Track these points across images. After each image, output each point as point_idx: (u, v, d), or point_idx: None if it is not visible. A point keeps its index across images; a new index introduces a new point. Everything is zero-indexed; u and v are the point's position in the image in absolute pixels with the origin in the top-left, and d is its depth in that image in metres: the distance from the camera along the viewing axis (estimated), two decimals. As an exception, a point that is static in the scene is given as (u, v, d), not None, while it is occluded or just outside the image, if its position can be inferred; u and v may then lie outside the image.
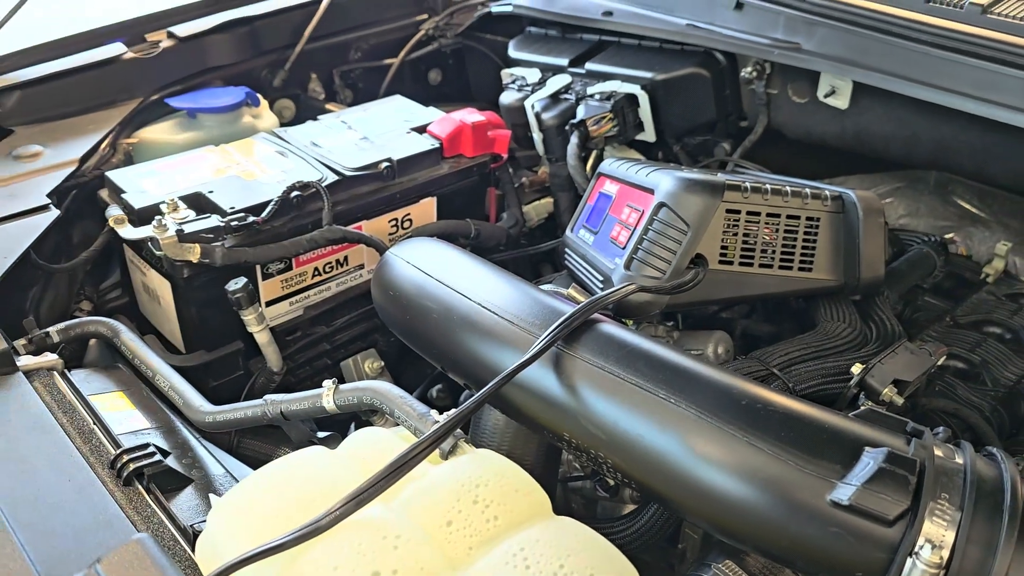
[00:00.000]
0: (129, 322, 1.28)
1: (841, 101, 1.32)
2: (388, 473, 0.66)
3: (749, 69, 1.39)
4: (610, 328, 0.83)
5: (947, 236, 1.43)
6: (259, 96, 1.52)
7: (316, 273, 1.28)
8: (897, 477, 0.64)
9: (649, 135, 1.47)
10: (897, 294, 1.20)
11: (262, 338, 1.15)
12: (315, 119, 1.46)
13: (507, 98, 1.55)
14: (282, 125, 1.55)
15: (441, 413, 0.81)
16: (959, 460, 0.67)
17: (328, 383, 0.87)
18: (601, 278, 1.11)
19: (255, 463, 1.08)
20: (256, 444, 1.11)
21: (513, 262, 1.51)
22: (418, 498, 0.69)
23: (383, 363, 1.30)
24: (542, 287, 1.12)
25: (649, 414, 0.72)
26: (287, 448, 1.11)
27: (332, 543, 0.64)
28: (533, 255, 1.54)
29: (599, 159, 1.50)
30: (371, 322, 1.35)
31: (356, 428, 1.28)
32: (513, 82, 1.58)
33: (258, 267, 1.20)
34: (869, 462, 0.65)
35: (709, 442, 0.69)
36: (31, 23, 1.38)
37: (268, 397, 0.92)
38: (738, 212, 1.04)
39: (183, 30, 1.50)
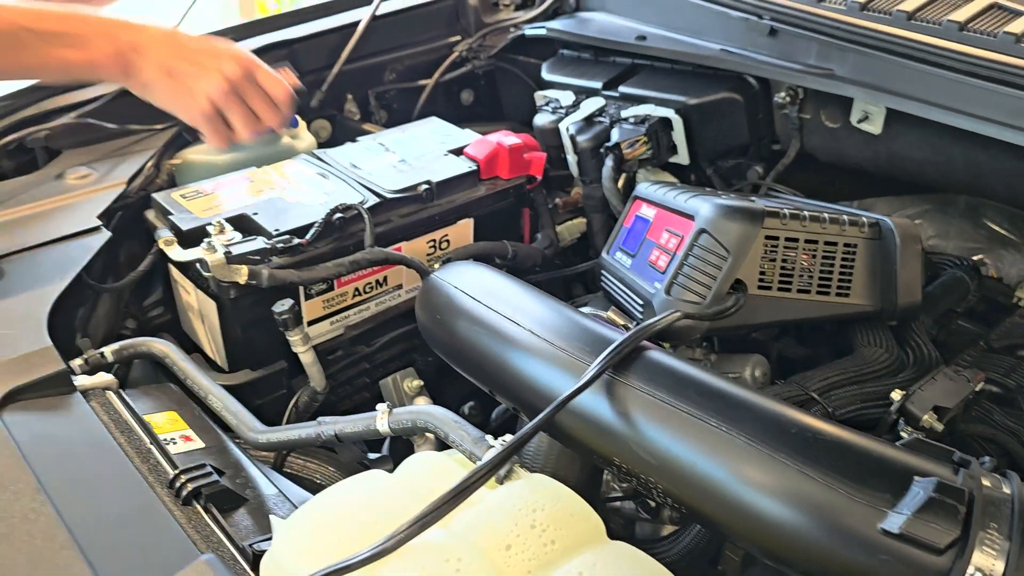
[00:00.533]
0: (173, 340, 1.31)
1: (874, 127, 1.34)
2: (450, 497, 0.68)
3: (782, 94, 1.41)
4: (658, 355, 0.85)
5: (977, 258, 1.45)
6: (297, 118, 1.55)
7: (356, 293, 1.30)
8: (947, 507, 0.65)
9: (683, 158, 1.49)
10: (932, 318, 1.22)
11: (307, 358, 1.18)
12: (353, 140, 1.48)
13: (541, 120, 1.57)
14: (319, 145, 1.59)
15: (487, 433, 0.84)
16: (1007, 490, 0.68)
17: (382, 406, 0.89)
18: (640, 301, 1.13)
19: (298, 481, 1.11)
20: (299, 462, 1.14)
21: (547, 282, 1.53)
22: (477, 522, 0.71)
23: (422, 382, 1.32)
24: (580, 309, 1.14)
25: (701, 442, 0.74)
26: (330, 467, 1.14)
27: (397, 565, 0.66)
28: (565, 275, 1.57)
29: (630, 181, 1.52)
30: (409, 342, 1.37)
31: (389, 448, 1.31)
32: (547, 104, 1.60)
33: (301, 288, 1.22)
34: (919, 491, 0.67)
35: (761, 470, 0.70)
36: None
37: (321, 419, 0.94)
38: (777, 238, 1.06)
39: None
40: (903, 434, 0.96)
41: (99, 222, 1.19)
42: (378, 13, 1.63)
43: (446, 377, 1.40)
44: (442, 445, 1.00)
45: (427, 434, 1.03)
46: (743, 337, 1.27)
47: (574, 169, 1.54)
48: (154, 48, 1.02)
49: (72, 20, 0.99)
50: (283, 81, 1.10)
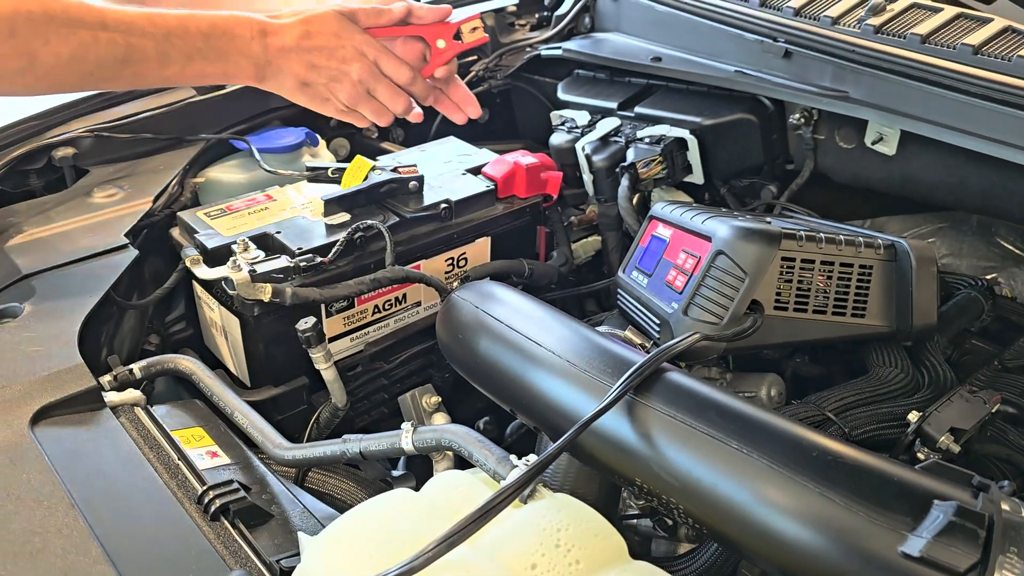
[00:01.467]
0: (195, 355, 1.34)
1: (888, 148, 1.36)
2: (477, 517, 0.70)
3: (797, 116, 1.43)
4: (678, 377, 0.86)
5: (990, 277, 1.46)
6: (317, 136, 1.57)
7: (376, 310, 1.32)
8: (967, 531, 0.66)
9: (697, 177, 1.51)
10: (947, 339, 1.23)
11: (328, 375, 1.19)
12: (373, 159, 1.51)
13: (557, 139, 1.59)
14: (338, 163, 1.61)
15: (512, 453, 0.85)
16: (1025, 514, 0.69)
17: (406, 425, 0.90)
18: (657, 321, 1.14)
19: (319, 496, 1.13)
20: (320, 478, 1.15)
21: (561, 299, 1.55)
22: (503, 541, 0.73)
23: (440, 398, 1.33)
24: (597, 328, 1.16)
25: (723, 464, 0.75)
26: (351, 482, 1.15)
27: (426, 584, 0.68)
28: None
29: (644, 200, 1.54)
30: (427, 358, 1.39)
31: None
32: (563, 124, 1.62)
33: (323, 305, 1.24)
34: (939, 515, 0.68)
35: (782, 492, 0.72)
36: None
37: (347, 436, 0.96)
38: (793, 260, 1.07)
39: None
40: (920, 455, 0.97)
41: (126, 240, 1.22)
42: (397, 33, 1.66)
43: (462, 392, 1.42)
44: (459, 461, 1.01)
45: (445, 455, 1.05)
46: (757, 355, 1.28)
47: (590, 188, 1.56)
48: (287, 62, 1.08)
49: (214, 38, 1.05)
50: (406, 66, 1.12)
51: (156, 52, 1.02)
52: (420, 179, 1.33)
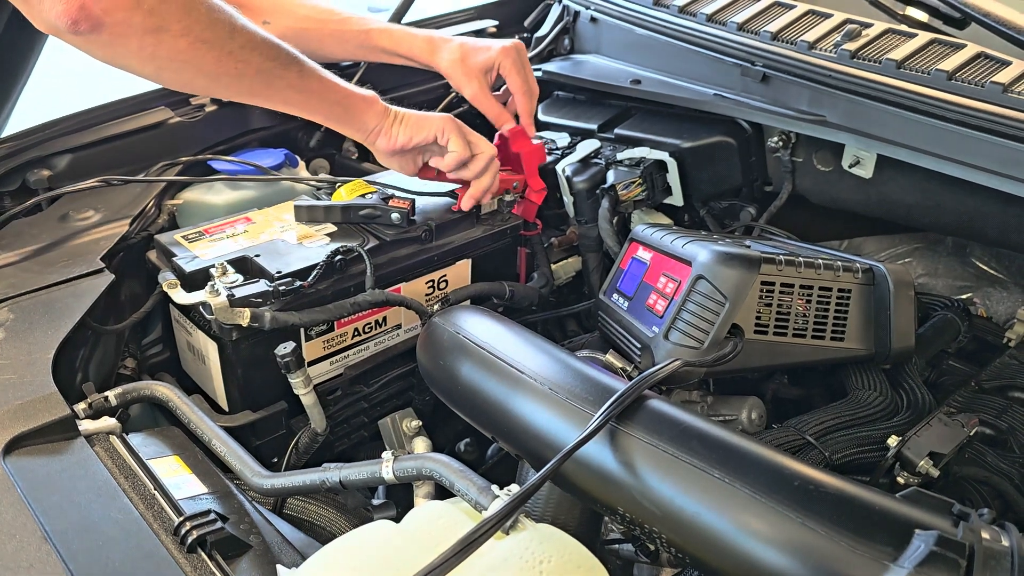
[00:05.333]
0: (172, 379, 1.32)
1: (865, 171, 1.37)
2: (459, 550, 0.69)
3: (775, 139, 1.44)
4: (659, 405, 0.86)
5: (965, 296, 1.47)
6: (296, 157, 1.57)
7: (356, 334, 1.31)
8: (948, 561, 0.66)
9: (677, 199, 1.52)
10: (924, 360, 1.24)
11: (308, 400, 1.18)
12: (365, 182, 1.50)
13: (538, 161, 1.59)
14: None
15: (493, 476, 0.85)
16: (1005, 543, 0.70)
17: (387, 454, 0.90)
18: (638, 344, 1.15)
19: (298, 523, 1.11)
20: (299, 504, 1.14)
21: (542, 320, 1.55)
22: (485, 574, 0.72)
23: (420, 422, 1.33)
24: (578, 352, 1.16)
25: (705, 493, 0.75)
26: (331, 508, 1.14)
27: (407, 619, 0.67)
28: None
29: (624, 221, 1.54)
30: (407, 381, 1.38)
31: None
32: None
33: (302, 329, 1.23)
34: (920, 545, 0.68)
35: (764, 522, 0.72)
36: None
37: (327, 465, 0.95)
38: (773, 284, 1.08)
39: (226, 94, 1.55)
40: (899, 479, 0.98)
41: (102, 264, 1.20)
42: (377, 54, 1.65)
43: (442, 415, 1.41)
44: (440, 488, 1.00)
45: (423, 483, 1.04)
46: (737, 378, 1.29)
47: (570, 209, 1.56)
48: (389, 134, 1.27)
49: (347, 104, 1.23)
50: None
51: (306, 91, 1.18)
52: (405, 213, 1.32)
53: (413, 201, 1.34)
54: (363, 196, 1.36)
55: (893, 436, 0.99)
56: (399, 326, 1.37)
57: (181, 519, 0.87)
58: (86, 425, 0.99)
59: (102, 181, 1.33)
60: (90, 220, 1.31)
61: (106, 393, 1.06)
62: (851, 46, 1.34)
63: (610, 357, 1.16)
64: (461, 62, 1.44)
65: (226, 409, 1.26)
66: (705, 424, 0.82)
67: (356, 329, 1.31)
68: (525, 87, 1.46)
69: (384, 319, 1.34)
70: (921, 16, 1.62)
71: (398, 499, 1.25)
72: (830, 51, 1.36)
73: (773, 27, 1.43)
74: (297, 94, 1.15)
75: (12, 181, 1.35)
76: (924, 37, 1.32)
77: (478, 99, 1.47)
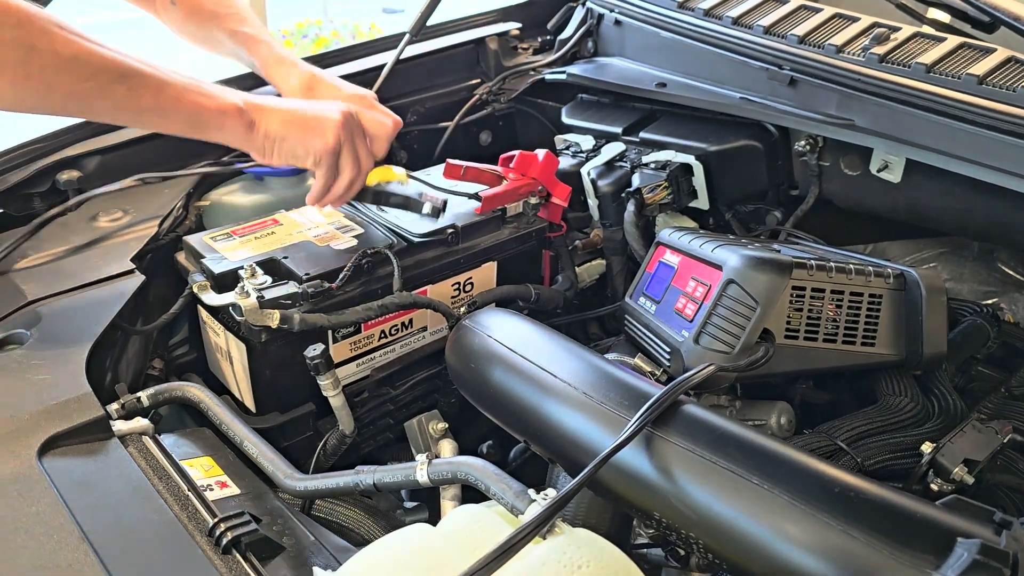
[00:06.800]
0: (199, 379, 1.32)
1: (894, 175, 1.36)
2: (498, 554, 0.69)
3: (802, 143, 1.44)
4: (695, 410, 0.86)
5: (991, 302, 1.46)
6: (322, 159, 1.57)
7: (383, 336, 1.32)
8: (991, 569, 0.66)
9: (702, 203, 1.51)
10: (954, 366, 1.23)
11: (336, 402, 1.19)
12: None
13: (563, 163, 1.59)
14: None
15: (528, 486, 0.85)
16: (1048, 551, 0.69)
17: (421, 457, 0.90)
18: (667, 348, 1.14)
19: (327, 524, 1.12)
20: (327, 506, 1.14)
21: (566, 323, 1.55)
22: (524, 578, 0.72)
23: (447, 424, 1.33)
24: (606, 356, 1.15)
25: (743, 499, 0.75)
26: (359, 510, 1.15)
27: (448, 623, 0.67)
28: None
29: (648, 224, 1.54)
30: (432, 383, 1.38)
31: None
32: (567, 148, 1.63)
33: (329, 331, 1.23)
34: (963, 554, 0.67)
35: (804, 530, 0.72)
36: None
37: (360, 468, 0.95)
38: (804, 289, 1.08)
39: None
40: (933, 486, 0.97)
41: (132, 265, 1.21)
42: (402, 57, 1.66)
43: (467, 418, 1.42)
44: (465, 491, 1.00)
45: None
46: (765, 382, 1.28)
47: (595, 212, 1.56)
48: (274, 112, 1.16)
49: (208, 84, 1.12)
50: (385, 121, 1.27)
51: (156, 80, 1.06)
52: (438, 208, 1.31)
53: (446, 200, 1.33)
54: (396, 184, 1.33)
55: (927, 443, 0.99)
56: (425, 328, 1.37)
57: (215, 520, 0.87)
58: (119, 425, 0.99)
59: (138, 180, 1.33)
60: (120, 221, 1.32)
61: (139, 394, 1.07)
62: (880, 50, 1.33)
63: (639, 361, 1.16)
64: (307, 90, 1.35)
65: (253, 410, 1.26)
66: (741, 429, 0.82)
67: (383, 331, 1.31)
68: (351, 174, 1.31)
69: (410, 321, 1.34)
70: (943, 17, 1.62)
71: (424, 501, 1.25)
72: (858, 55, 1.35)
73: (800, 30, 1.42)
74: (129, 113, 1.07)
75: (42, 182, 1.36)
76: (953, 41, 1.31)
77: None
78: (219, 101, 1.11)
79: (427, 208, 1.31)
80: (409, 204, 1.33)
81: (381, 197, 1.31)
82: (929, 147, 1.25)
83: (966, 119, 1.21)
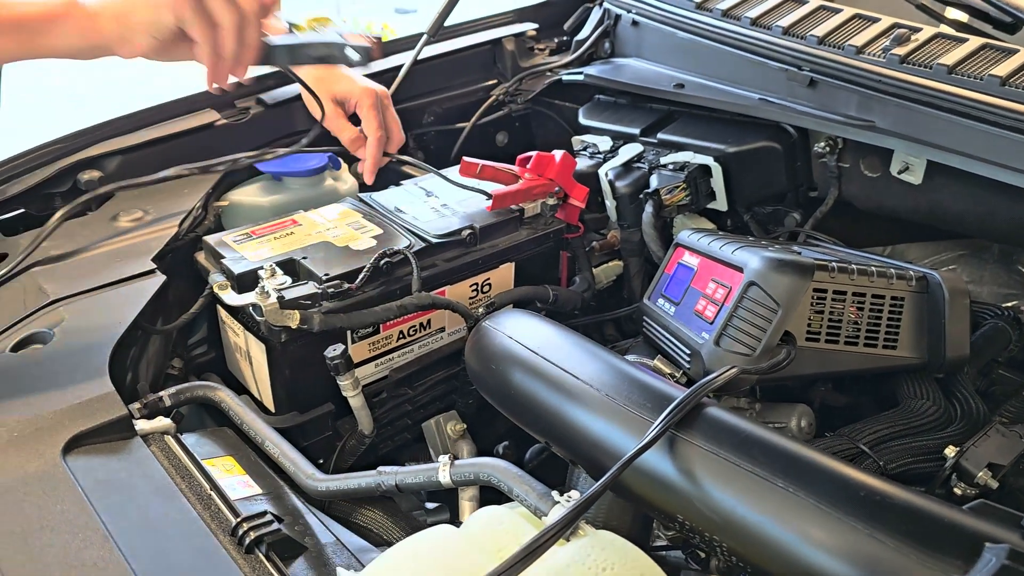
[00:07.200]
0: (218, 379, 1.33)
1: (914, 177, 1.36)
2: (523, 556, 0.69)
3: (822, 144, 1.43)
4: (718, 412, 0.86)
5: (1011, 304, 1.45)
6: (340, 160, 1.57)
7: (401, 336, 1.32)
8: (1020, 574, 0.66)
9: (721, 204, 1.51)
10: (975, 369, 1.22)
11: (356, 402, 1.19)
12: (397, 184, 1.51)
13: (580, 164, 1.59)
14: (360, 186, 1.61)
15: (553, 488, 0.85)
16: (1077, 557, 0.69)
17: (443, 458, 0.90)
18: (687, 350, 1.14)
19: (346, 524, 1.12)
20: (347, 506, 1.15)
21: (583, 324, 1.54)
22: (548, 581, 0.72)
23: (465, 425, 1.33)
24: (626, 357, 1.15)
25: (769, 503, 0.75)
26: (378, 510, 1.15)
27: (473, 624, 0.67)
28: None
29: (666, 225, 1.54)
30: (450, 384, 1.38)
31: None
32: (584, 149, 1.63)
33: (348, 331, 1.24)
34: (991, 559, 0.67)
35: (831, 534, 0.71)
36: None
37: (382, 468, 0.95)
38: (825, 291, 1.07)
39: (270, 97, 1.56)
40: (956, 490, 0.97)
41: (153, 265, 1.21)
42: (419, 58, 1.66)
43: (484, 418, 1.42)
44: (483, 492, 1.00)
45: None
46: (784, 385, 1.28)
47: (612, 214, 1.56)
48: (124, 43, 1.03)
49: (30, 27, 1.01)
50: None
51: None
52: (367, 50, 1.10)
53: (379, 39, 1.19)
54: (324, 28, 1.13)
55: (950, 446, 0.98)
56: (443, 329, 1.37)
57: (238, 520, 0.87)
58: (141, 425, 1.00)
59: (176, 172, 1.33)
60: (140, 221, 1.32)
61: (161, 393, 1.07)
62: (900, 51, 1.32)
63: (658, 363, 1.16)
64: (318, 80, 1.37)
65: (272, 410, 1.27)
66: (766, 432, 0.82)
67: (401, 332, 1.31)
68: (380, 132, 1.42)
69: (428, 322, 1.34)
70: (962, 18, 1.61)
71: (440, 501, 1.25)
72: (879, 56, 1.34)
73: (819, 31, 1.42)
74: None
75: (63, 182, 1.36)
76: (975, 42, 1.30)
77: (331, 121, 1.43)
78: (48, 4, 1.00)
79: (352, 53, 1.10)
80: (332, 54, 1.11)
81: (296, 53, 1.10)
82: (951, 148, 1.24)
83: (988, 120, 1.20)
